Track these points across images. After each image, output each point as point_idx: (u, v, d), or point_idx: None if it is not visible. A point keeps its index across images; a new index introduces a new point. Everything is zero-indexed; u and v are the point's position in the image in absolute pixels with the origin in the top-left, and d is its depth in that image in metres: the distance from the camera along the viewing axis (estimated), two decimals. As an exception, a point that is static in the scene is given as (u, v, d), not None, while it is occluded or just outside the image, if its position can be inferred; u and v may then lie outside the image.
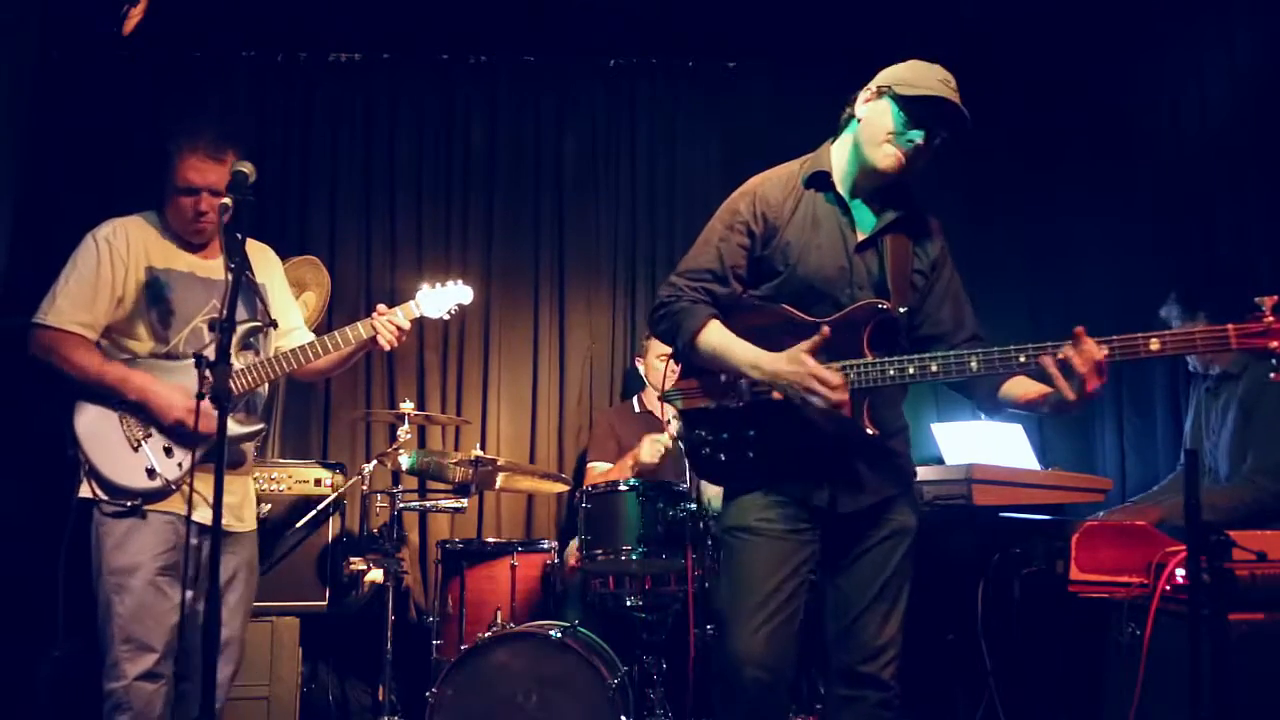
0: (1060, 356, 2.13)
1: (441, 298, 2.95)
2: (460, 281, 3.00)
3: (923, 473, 3.80)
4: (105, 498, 2.58)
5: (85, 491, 2.59)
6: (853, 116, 2.41)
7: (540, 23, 4.69)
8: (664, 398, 2.57)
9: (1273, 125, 3.61)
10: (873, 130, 2.35)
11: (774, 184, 2.45)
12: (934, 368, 2.25)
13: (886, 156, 2.33)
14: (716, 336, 2.38)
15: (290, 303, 3.01)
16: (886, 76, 2.38)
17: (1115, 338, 2.14)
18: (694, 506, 3.39)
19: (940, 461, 4.18)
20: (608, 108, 4.99)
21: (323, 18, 4.63)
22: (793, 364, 2.25)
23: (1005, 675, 3.38)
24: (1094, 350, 2.11)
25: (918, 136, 2.31)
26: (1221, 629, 2.17)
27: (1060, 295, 4.77)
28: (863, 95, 2.40)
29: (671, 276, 2.48)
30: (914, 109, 2.29)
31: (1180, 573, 2.47)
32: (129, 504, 2.57)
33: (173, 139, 2.69)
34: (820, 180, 2.43)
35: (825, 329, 2.25)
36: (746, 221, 2.42)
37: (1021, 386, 2.34)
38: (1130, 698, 2.50)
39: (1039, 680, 3.32)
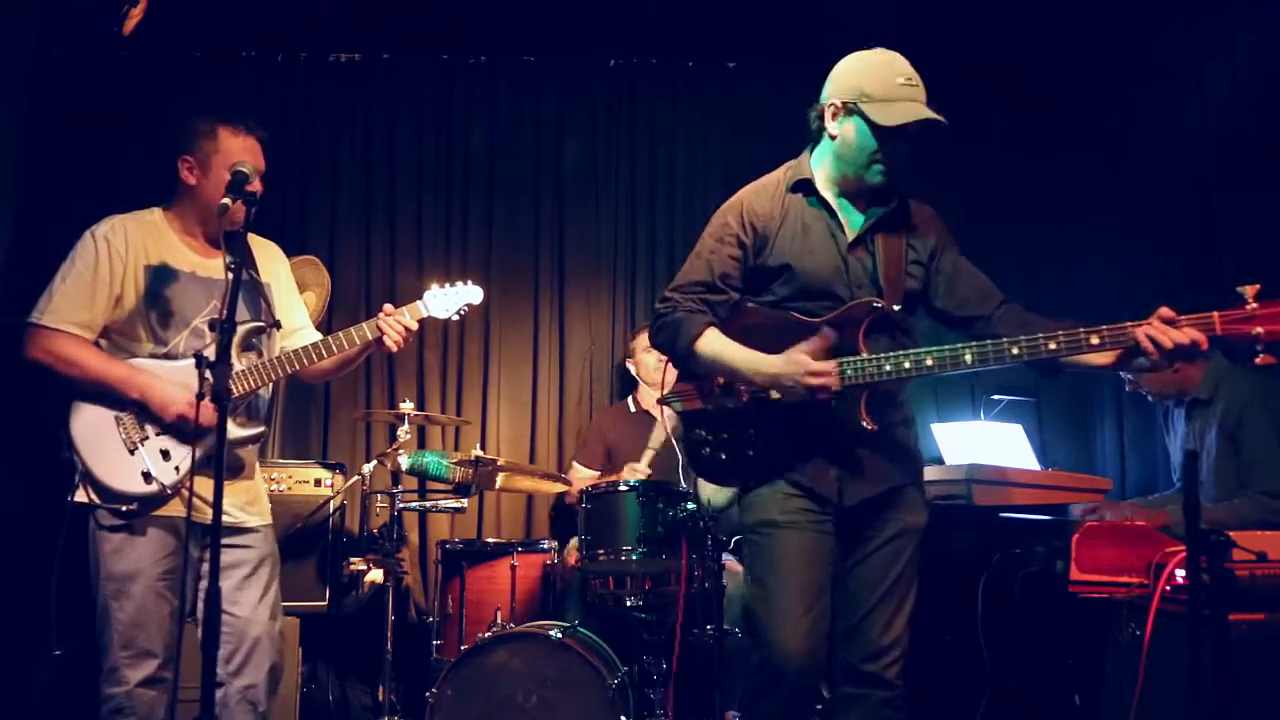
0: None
1: (450, 298, 2.87)
2: (470, 281, 2.93)
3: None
4: (100, 502, 2.54)
5: (81, 496, 2.55)
6: (823, 127, 2.43)
7: (540, 23, 4.69)
8: (663, 401, 2.61)
9: (1273, 125, 3.61)
10: (853, 152, 2.37)
11: (760, 195, 2.49)
12: (929, 362, 2.27)
13: (876, 175, 2.38)
14: (715, 343, 2.42)
15: (296, 301, 2.95)
16: (849, 88, 2.37)
17: (1104, 327, 2.18)
18: (693, 506, 3.39)
19: (940, 461, 4.17)
20: (608, 108, 4.99)
21: (323, 18, 4.63)
22: (790, 364, 2.30)
23: (1005, 675, 3.38)
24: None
25: (902, 149, 2.35)
26: (1221, 629, 2.17)
27: (1059, 296, 4.77)
28: (828, 109, 2.40)
29: (666, 291, 2.54)
30: (889, 131, 2.32)
31: (1180, 573, 2.47)
32: (125, 509, 2.53)
33: (214, 123, 2.65)
34: (804, 187, 2.47)
35: (827, 331, 2.31)
36: (736, 234, 2.46)
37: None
38: (1130, 698, 2.50)
39: (1039, 680, 3.32)
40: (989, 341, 2.26)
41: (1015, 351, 2.22)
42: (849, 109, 2.37)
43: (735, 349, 2.39)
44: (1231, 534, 2.19)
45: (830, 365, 2.27)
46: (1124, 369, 2.31)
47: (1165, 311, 2.14)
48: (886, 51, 2.40)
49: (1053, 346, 2.20)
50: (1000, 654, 3.37)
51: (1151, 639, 2.48)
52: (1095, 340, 2.18)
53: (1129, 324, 2.16)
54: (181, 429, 2.55)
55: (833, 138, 2.41)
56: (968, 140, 4.85)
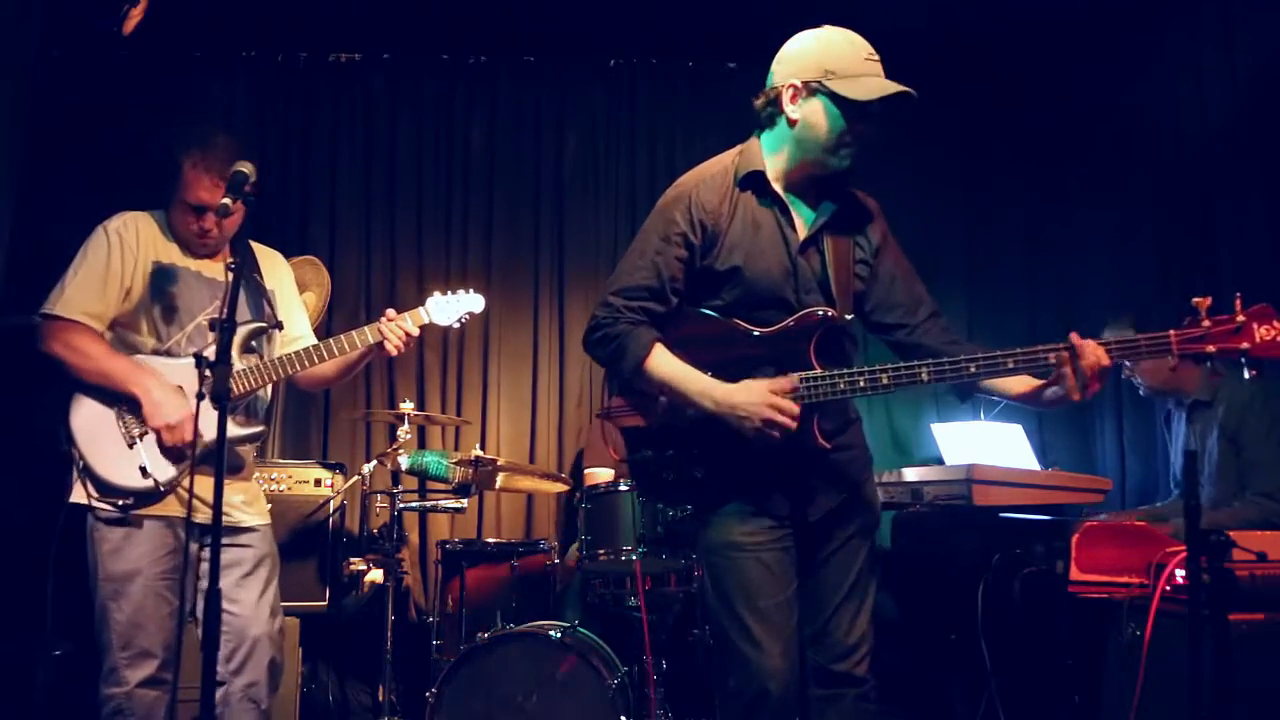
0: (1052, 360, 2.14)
1: (452, 306, 2.89)
2: (472, 290, 2.95)
3: (923, 473, 3.81)
4: (97, 496, 2.54)
5: (79, 495, 2.54)
6: (778, 112, 2.26)
7: (540, 23, 4.70)
8: (603, 416, 2.50)
9: (1273, 125, 3.61)
10: (817, 135, 2.23)
11: (709, 187, 2.30)
12: (884, 380, 2.19)
13: (845, 159, 2.25)
14: (665, 364, 2.28)
15: (298, 309, 2.96)
16: (810, 67, 2.21)
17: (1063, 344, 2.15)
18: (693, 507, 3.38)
19: (940, 461, 4.18)
20: (608, 108, 5.00)
21: (323, 18, 4.64)
22: (751, 396, 2.18)
23: (1005, 675, 3.38)
24: (1097, 355, 2.12)
25: (868, 129, 2.23)
26: (1221, 629, 2.17)
27: (1058, 294, 4.77)
28: (785, 91, 2.23)
29: (607, 295, 2.34)
30: (860, 108, 2.19)
31: (1180, 573, 2.47)
32: (121, 503, 2.53)
33: (182, 151, 2.62)
34: (754, 180, 2.30)
35: (796, 380, 2.19)
36: (684, 233, 2.28)
37: (1004, 382, 2.30)
38: (1130, 698, 2.50)
39: (1039, 680, 3.32)
40: (946, 360, 2.19)
41: (973, 370, 2.17)
42: (812, 88, 2.20)
43: (687, 374, 2.25)
44: (1231, 534, 2.19)
45: (793, 408, 2.16)
46: (1034, 401, 2.28)
47: (1074, 336, 2.13)
48: (841, 29, 2.27)
49: (1010, 365, 2.16)
50: (1000, 654, 3.38)
51: (1151, 639, 2.48)
52: (1012, 363, 2.16)
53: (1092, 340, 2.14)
54: (158, 439, 2.54)
55: (792, 123, 2.23)
56: (966, 142, 4.88)
